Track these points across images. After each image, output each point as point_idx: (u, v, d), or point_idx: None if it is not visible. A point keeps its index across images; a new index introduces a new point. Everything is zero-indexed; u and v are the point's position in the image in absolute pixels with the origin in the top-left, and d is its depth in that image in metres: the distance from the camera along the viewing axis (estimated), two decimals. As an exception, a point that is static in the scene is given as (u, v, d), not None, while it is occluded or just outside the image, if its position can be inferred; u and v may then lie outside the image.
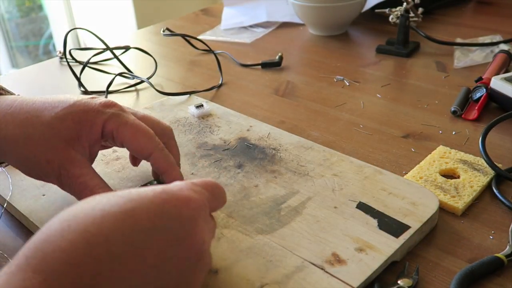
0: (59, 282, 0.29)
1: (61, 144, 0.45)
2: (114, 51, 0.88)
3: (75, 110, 0.46)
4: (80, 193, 0.45)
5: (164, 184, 0.36)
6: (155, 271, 0.32)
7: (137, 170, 0.56)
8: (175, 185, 0.36)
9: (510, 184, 0.54)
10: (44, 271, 0.29)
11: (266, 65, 0.87)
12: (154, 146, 0.47)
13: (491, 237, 0.47)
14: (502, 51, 0.80)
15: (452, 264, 0.44)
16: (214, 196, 0.39)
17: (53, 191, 0.54)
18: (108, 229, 0.31)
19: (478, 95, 0.69)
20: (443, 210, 0.50)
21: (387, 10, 0.90)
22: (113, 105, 0.47)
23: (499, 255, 0.44)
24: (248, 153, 0.59)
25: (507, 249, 0.45)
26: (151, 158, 0.47)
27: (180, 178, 0.47)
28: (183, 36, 0.94)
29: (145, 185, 0.50)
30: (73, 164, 0.45)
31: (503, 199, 0.51)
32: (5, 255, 0.49)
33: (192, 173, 0.55)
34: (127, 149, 0.48)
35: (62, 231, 0.31)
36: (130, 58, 0.93)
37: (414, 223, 0.46)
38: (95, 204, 0.33)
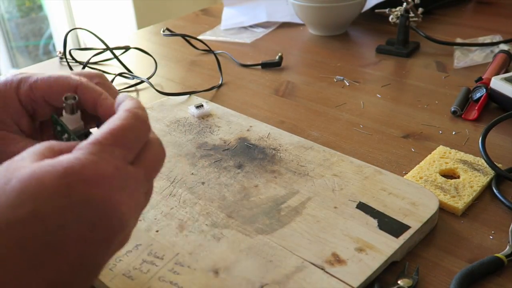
0: None
1: None
2: (114, 51, 0.88)
3: None
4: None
5: (65, 157, 0.31)
6: (78, 259, 0.30)
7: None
8: (77, 159, 0.30)
9: (510, 184, 0.54)
10: None
11: (266, 65, 0.87)
12: (76, 81, 0.41)
13: (491, 237, 0.47)
14: (502, 51, 0.80)
15: (452, 264, 0.44)
16: (129, 145, 0.33)
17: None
18: (19, 237, 0.28)
19: (478, 95, 0.69)
20: (443, 210, 0.50)
21: (387, 10, 0.90)
22: (20, 73, 0.42)
23: (499, 255, 0.44)
24: (248, 153, 0.59)
25: (507, 249, 0.45)
26: (78, 91, 0.40)
27: (112, 107, 0.39)
28: (183, 36, 0.94)
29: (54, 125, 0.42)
30: (6, 142, 0.41)
31: (503, 199, 0.51)
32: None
33: (192, 173, 0.55)
34: (51, 101, 0.42)
35: None
36: (130, 58, 0.93)
37: (414, 223, 0.46)
38: (12, 214, 0.29)
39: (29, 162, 0.31)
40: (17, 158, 0.31)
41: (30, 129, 0.43)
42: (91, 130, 0.42)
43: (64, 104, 0.40)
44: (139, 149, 0.34)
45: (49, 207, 0.29)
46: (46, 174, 0.29)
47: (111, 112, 0.39)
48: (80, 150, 0.31)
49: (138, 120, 0.34)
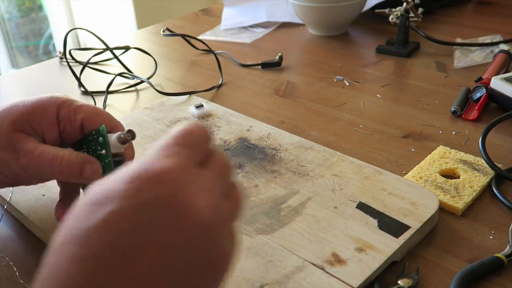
0: None
1: (9, 127, 0.45)
2: (114, 51, 0.88)
3: (27, 100, 0.47)
4: (41, 165, 0.45)
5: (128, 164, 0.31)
6: (161, 267, 0.28)
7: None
8: (143, 161, 0.30)
9: (510, 184, 0.54)
10: None
11: (266, 65, 0.87)
12: (116, 121, 0.47)
13: (491, 237, 0.47)
14: (502, 51, 0.80)
15: (452, 264, 0.44)
16: (192, 145, 0.32)
17: (53, 191, 0.54)
18: (95, 246, 0.27)
19: (478, 95, 0.69)
20: (443, 210, 0.50)
21: (387, 10, 0.90)
22: (66, 96, 0.48)
23: (499, 255, 0.44)
24: (248, 153, 0.59)
25: (507, 249, 0.45)
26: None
27: (132, 155, 0.48)
28: (183, 36, 0.94)
29: (95, 135, 0.47)
30: (25, 141, 0.45)
31: (503, 199, 0.51)
32: (5, 257, 0.49)
33: (192, 173, 0.55)
34: (87, 127, 0.47)
35: (56, 263, 0.28)
36: (130, 58, 0.93)
37: (414, 223, 0.46)
38: (74, 221, 0.29)
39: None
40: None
41: (52, 144, 0.47)
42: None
43: (122, 134, 0.44)
44: (203, 152, 0.33)
45: (118, 213, 0.28)
46: (117, 180, 0.29)
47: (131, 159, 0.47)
48: (145, 158, 0.30)
49: (197, 126, 0.33)
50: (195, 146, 0.32)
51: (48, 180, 0.50)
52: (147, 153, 0.31)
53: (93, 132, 0.46)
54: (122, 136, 0.44)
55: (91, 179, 0.44)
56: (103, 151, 0.45)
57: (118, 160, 0.46)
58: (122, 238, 0.27)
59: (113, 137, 0.44)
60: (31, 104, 0.47)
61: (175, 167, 0.29)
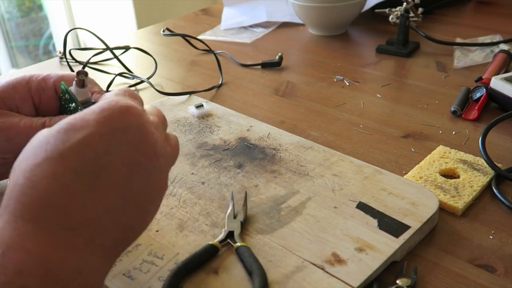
0: (51, 225, 0.31)
1: None
2: (114, 51, 0.88)
3: (3, 80, 0.51)
4: (28, 136, 0.46)
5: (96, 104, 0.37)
6: (127, 183, 0.35)
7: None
8: (109, 100, 0.36)
9: (510, 184, 0.54)
10: (33, 219, 0.31)
11: (266, 65, 0.87)
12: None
13: (491, 237, 0.47)
14: (502, 51, 0.80)
15: (452, 264, 0.44)
16: (136, 97, 0.40)
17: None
18: (72, 164, 0.32)
19: (478, 95, 0.69)
20: (443, 210, 0.50)
21: (387, 10, 0.90)
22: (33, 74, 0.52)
23: (213, 242, 0.44)
24: (248, 153, 0.59)
25: (221, 235, 0.45)
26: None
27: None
28: (183, 36, 0.94)
29: (62, 95, 0.50)
30: (7, 114, 0.48)
31: (503, 199, 0.51)
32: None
33: (192, 173, 0.55)
34: (58, 91, 0.51)
35: (31, 181, 0.32)
36: (130, 58, 0.93)
37: (414, 223, 0.46)
38: (46, 145, 0.33)
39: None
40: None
41: (29, 116, 0.50)
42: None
43: (75, 79, 0.47)
44: (142, 105, 0.41)
45: (95, 136, 0.34)
46: (87, 113, 0.35)
47: None
48: (107, 97, 0.38)
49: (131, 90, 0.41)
50: (137, 98, 0.40)
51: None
52: (107, 96, 0.38)
53: (61, 94, 0.50)
54: (76, 80, 0.47)
55: None
56: (73, 104, 0.48)
57: (91, 103, 0.49)
58: (98, 156, 0.33)
59: (72, 87, 0.48)
60: (3, 84, 0.50)
61: (137, 106, 0.37)
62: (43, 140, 0.34)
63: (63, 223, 0.31)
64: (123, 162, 0.34)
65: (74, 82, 0.48)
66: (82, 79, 0.47)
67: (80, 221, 0.32)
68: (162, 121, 0.41)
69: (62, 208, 0.32)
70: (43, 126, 0.47)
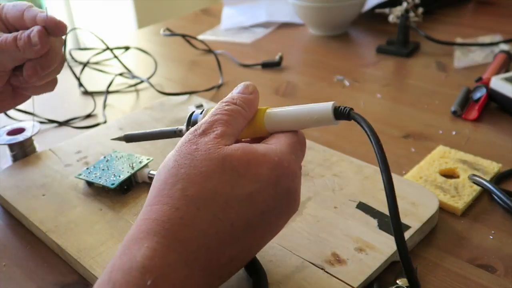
0: (194, 263, 0.32)
1: None
2: (114, 51, 0.88)
3: None
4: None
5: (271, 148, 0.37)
6: (266, 237, 0.37)
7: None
8: (281, 154, 0.37)
9: (509, 183, 0.54)
10: (185, 253, 0.32)
11: (266, 65, 0.87)
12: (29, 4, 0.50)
13: (491, 237, 0.47)
14: (502, 51, 0.80)
15: (452, 264, 0.44)
16: (300, 154, 0.40)
17: (53, 191, 0.54)
18: (233, 213, 0.34)
19: (478, 95, 0.69)
20: (443, 210, 0.50)
21: (387, 10, 0.90)
22: None
23: None
24: (248, 153, 0.58)
25: None
26: (25, 11, 0.49)
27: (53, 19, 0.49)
28: (183, 36, 0.94)
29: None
30: None
31: (501, 201, 0.50)
32: (5, 258, 0.49)
33: (192, 173, 0.55)
34: (8, 18, 0.50)
35: (191, 218, 0.33)
36: (130, 58, 0.93)
37: (414, 223, 0.46)
38: (216, 183, 0.34)
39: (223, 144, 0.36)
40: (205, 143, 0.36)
41: None
42: None
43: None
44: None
45: (262, 194, 0.35)
46: (262, 162, 0.35)
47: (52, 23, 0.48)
48: (278, 144, 0.38)
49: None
50: (301, 153, 0.41)
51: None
52: (281, 140, 0.39)
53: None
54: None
55: (31, 46, 0.47)
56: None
57: None
58: (256, 215, 0.35)
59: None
60: None
61: (298, 171, 0.38)
62: (214, 171, 0.34)
63: (205, 266, 0.33)
64: (268, 226, 0.36)
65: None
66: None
67: (215, 267, 0.34)
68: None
69: (209, 251, 0.33)
70: (15, 40, 0.47)
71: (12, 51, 0.48)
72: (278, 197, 0.35)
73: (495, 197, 0.51)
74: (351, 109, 0.41)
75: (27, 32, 0.48)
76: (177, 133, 0.48)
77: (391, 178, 0.37)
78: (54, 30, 0.48)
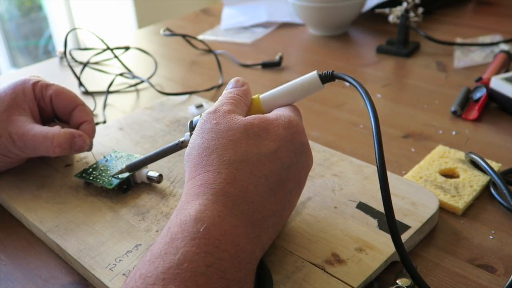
0: (241, 214, 0.37)
1: (3, 115, 0.53)
2: (114, 51, 0.88)
3: (7, 87, 0.56)
4: (35, 145, 0.52)
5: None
6: (290, 195, 0.42)
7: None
8: (291, 116, 0.43)
9: (510, 183, 0.54)
10: (232, 207, 0.37)
11: (266, 65, 0.87)
12: (80, 100, 0.59)
13: (491, 237, 0.47)
14: (502, 51, 0.80)
15: (452, 264, 0.44)
16: (300, 113, 0.46)
17: (53, 190, 0.54)
18: (266, 169, 0.39)
19: (478, 95, 0.69)
20: (443, 210, 0.50)
21: (387, 10, 0.90)
22: (37, 77, 0.58)
23: None
24: (248, 153, 0.58)
25: None
26: (77, 109, 0.57)
27: (93, 133, 0.57)
28: (183, 36, 0.94)
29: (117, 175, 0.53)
30: (18, 124, 0.53)
31: (502, 200, 0.50)
32: (5, 257, 0.49)
33: (192, 173, 0.55)
34: (55, 105, 0.57)
35: (234, 175, 0.38)
36: (130, 58, 0.93)
37: (414, 223, 0.46)
38: (245, 145, 0.39)
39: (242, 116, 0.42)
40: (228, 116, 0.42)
41: (38, 117, 0.57)
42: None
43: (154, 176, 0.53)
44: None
45: (283, 150, 0.40)
46: (276, 125, 0.41)
47: (89, 135, 0.56)
48: (283, 111, 0.44)
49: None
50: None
51: (45, 155, 0.55)
52: (281, 110, 0.44)
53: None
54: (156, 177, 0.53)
55: (82, 150, 0.55)
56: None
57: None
58: (283, 168, 0.40)
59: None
60: (12, 89, 0.55)
61: (301, 121, 0.44)
62: (240, 138, 0.39)
63: (250, 217, 0.37)
64: (295, 179, 0.41)
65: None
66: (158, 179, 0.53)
67: (259, 219, 0.38)
68: None
69: (252, 204, 0.38)
70: (52, 140, 0.52)
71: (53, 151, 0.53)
72: (297, 151, 0.41)
73: (493, 184, 0.51)
74: (333, 71, 0.47)
75: (82, 140, 0.54)
76: (180, 145, 0.49)
77: (379, 130, 0.45)
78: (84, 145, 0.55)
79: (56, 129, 0.53)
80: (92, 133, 0.57)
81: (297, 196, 0.43)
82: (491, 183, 0.53)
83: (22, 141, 0.52)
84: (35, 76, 0.58)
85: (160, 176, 0.53)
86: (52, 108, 0.58)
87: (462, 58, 0.84)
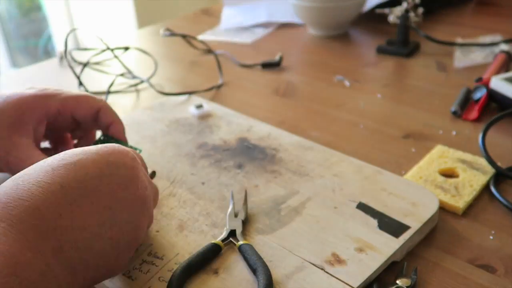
0: (23, 226, 0.32)
1: (4, 132, 0.49)
2: (114, 51, 0.88)
3: (9, 98, 0.51)
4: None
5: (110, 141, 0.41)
6: (109, 212, 0.37)
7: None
8: (112, 144, 0.41)
9: (509, 183, 0.54)
10: (8, 219, 0.32)
11: (266, 65, 0.87)
12: (100, 101, 0.54)
13: (491, 237, 0.47)
14: (502, 51, 0.80)
15: (452, 264, 0.44)
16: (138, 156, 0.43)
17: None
18: (61, 178, 0.35)
19: (478, 95, 0.69)
20: (443, 210, 0.50)
21: (387, 10, 0.90)
22: (46, 89, 0.53)
23: (215, 241, 0.44)
24: (248, 153, 0.59)
25: (223, 234, 0.45)
26: (101, 112, 0.54)
27: (123, 131, 0.55)
28: (183, 36, 0.94)
29: (95, 142, 0.53)
30: (19, 148, 0.49)
31: (501, 199, 0.50)
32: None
33: (192, 173, 0.55)
34: (77, 116, 0.54)
35: (17, 185, 0.34)
36: (130, 58, 0.93)
37: (414, 223, 0.46)
38: (43, 163, 0.37)
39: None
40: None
41: (41, 137, 0.53)
42: None
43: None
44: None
45: (89, 161, 0.37)
46: (91, 146, 0.39)
47: (120, 136, 0.55)
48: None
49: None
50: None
51: None
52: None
53: (97, 140, 0.55)
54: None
55: None
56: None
57: None
58: (88, 177, 0.36)
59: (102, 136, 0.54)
60: (19, 105, 0.51)
61: (135, 155, 0.41)
62: (43, 160, 0.37)
63: (36, 226, 0.32)
64: (110, 192, 0.37)
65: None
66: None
67: (52, 227, 0.33)
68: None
69: (38, 211, 0.33)
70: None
71: None
72: (111, 167, 0.39)
73: (493, 183, 0.51)
74: None
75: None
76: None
77: None
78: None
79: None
80: (122, 133, 0.55)
81: (130, 223, 0.39)
82: (492, 182, 0.53)
83: (16, 165, 0.49)
84: (41, 88, 0.53)
85: (153, 172, 0.54)
86: (71, 118, 0.54)
87: (462, 58, 0.84)
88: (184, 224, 0.48)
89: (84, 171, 0.36)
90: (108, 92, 0.79)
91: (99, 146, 0.40)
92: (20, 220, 0.32)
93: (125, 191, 0.38)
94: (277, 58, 0.87)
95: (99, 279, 0.38)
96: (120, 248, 0.38)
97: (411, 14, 0.88)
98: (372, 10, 1.00)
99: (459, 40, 0.91)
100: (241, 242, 0.44)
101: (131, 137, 0.63)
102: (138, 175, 0.40)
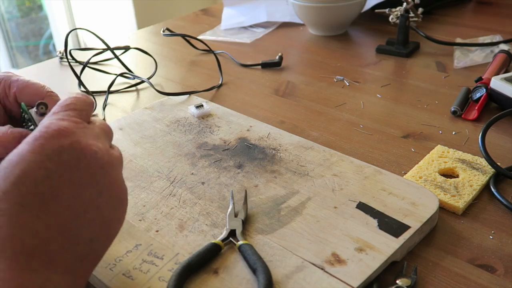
0: (5, 252, 0.32)
1: None
2: (114, 51, 0.88)
3: None
4: None
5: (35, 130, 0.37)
6: (74, 200, 0.36)
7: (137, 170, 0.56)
8: (42, 126, 0.37)
9: (509, 183, 0.54)
10: None
11: (266, 65, 0.87)
12: (45, 90, 0.50)
13: (491, 237, 0.47)
14: (502, 51, 0.80)
15: (452, 264, 0.44)
16: (78, 108, 0.40)
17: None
18: (17, 196, 0.34)
19: (478, 95, 0.69)
20: (443, 210, 0.50)
21: (387, 10, 0.90)
22: (5, 72, 0.51)
23: (215, 241, 0.44)
24: (248, 153, 0.59)
25: (223, 234, 0.45)
26: (46, 100, 0.49)
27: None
28: (183, 36, 0.94)
29: (22, 113, 0.49)
30: None
31: (501, 199, 0.50)
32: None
33: (192, 173, 0.56)
34: (19, 99, 0.49)
35: None
36: (130, 58, 0.93)
37: (414, 223, 0.46)
38: None
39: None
40: None
41: (1, 120, 0.50)
42: None
43: (36, 108, 0.46)
44: (88, 114, 0.41)
45: (31, 166, 0.34)
46: (22, 145, 0.36)
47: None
48: (42, 122, 0.38)
49: (81, 94, 0.42)
50: (81, 109, 0.40)
51: None
52: (42, 122, 0.38)
53: (21, 112, 0.49)
54: (36, 110, 0.46)
55: None
56: (32, 126, 0.47)
57: None
58: (39, 183, 0.34)
59: (33, 113, 0.47)
60: None
61: (69, 125, 0.37)
62: None
63: (20, 249, 0.33)
64: (66, 182, 0.35)
65: (34, 109, 0.47)
66: (42, 111, 0.47)
67: (35, 245, 0.33)
68: (105, 130, 0.41)
69: (14, 237, 0.33)
70: (4, 133, 0.46)
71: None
72: (52, 159, 0.36)
73: (493, 182, 0.51)
74: None
75: None
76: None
77: None
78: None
79: (3, 129, 0.47)
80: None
81: (104, 195, 0.38)
82: (492, 182, 0.53)
83: None
84: (4, 73, 0.51)
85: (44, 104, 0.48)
86: (19, 105, 0.51)
87: (462, 58, 0.84)
88: (184, 224, 0.48)
89: (32, 179, 0.34)
90: (108, 92, 0.79)
91: (30, 141, 0.36)
92: (3, 249, 0.32)
93: (80, 171, 0.36)
94: (277, 58, 0.87)
95: (102, 251, 0.39)
96: (109, 219, 0.38)
97: (411, 14, 0.88)
98: (372, 10, 1.00)
99: (459, 40, 0.91)
100: (241, 242, 0.44)
101: (131, 137, 0.63)
102: (81, 147, 0.37)
